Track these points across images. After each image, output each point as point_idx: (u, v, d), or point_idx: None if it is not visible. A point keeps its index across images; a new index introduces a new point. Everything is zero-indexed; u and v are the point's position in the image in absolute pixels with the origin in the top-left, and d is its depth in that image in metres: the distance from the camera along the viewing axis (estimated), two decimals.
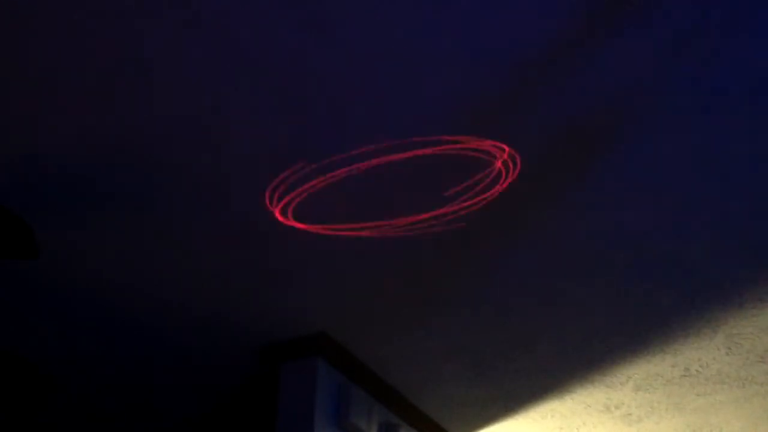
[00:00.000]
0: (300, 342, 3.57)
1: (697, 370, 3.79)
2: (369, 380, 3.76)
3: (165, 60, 2.35)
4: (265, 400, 3.80)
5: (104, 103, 2.48)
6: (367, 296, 3.33)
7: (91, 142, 2.63)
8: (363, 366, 3.72)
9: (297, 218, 2.64)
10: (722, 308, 3.38)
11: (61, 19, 2.22)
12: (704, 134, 2.59)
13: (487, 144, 2.43)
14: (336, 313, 3.44)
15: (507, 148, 2.44)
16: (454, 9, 2.21)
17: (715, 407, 4.06)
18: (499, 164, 2.48)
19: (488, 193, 2.47)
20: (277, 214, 2.61)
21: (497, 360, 3.72)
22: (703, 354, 3.67)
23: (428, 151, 2.45)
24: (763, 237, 3.01)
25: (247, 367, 3.79)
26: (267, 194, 2.60)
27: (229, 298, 3.34)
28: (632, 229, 2.97)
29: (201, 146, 2.63)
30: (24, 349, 3.61)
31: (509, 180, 2.48)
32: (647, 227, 2.96)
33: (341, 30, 2.27)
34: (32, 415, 3.92)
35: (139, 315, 3.44)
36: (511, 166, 2.49)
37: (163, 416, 4.24)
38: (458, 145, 2.43)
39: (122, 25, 2.25)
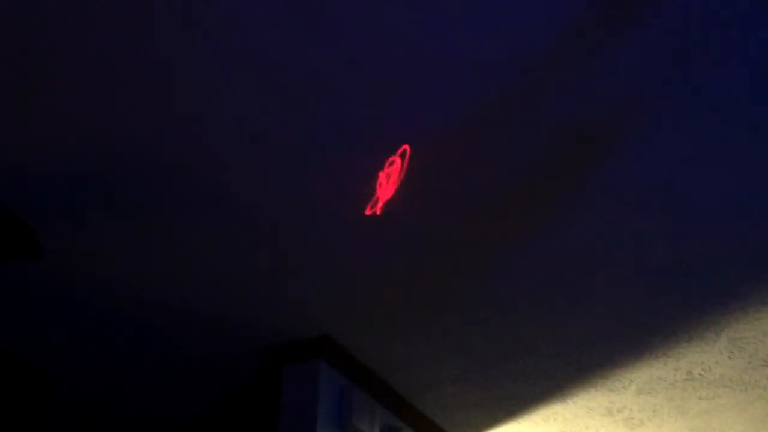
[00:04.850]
0: (302, 344, 3.57)
1: (699, 374, 3.78)
2: (371, 382, 3.76)
3: (167, 61, 2.36)
4: (267, 402, 3.80)
5: (105, 105, 2.49)
6: (369, 299, 3.33)
7: (93, 144, 2.64)
8: (365, 368, 3.72)
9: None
10: (725, 312, 3.37)
11: (62, 19, 2.24)
12: (705, 136, 2.59)
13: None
14: (338, 315, 3.44)
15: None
16: (455, 12, 2.22)
17: (718, 411, 4.05)
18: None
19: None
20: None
21: (499, 363, 3.71)
22: (705, 358, 3.66)
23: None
24: (764, 239, 3.01)
25: (250, 369, 3.80)
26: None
27: (232, 300, 3.35)
28: (634, 231, 2.96)
29: (203, 147, 2.64)
30: (26, 351, 3.63)
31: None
32: (649, 230, 2.96)
33: (344, 32, 2.28)
34: (34, 416, 3.93)
35: (141, 316, 3.44)
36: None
37: (166, 417, 4.24)
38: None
39: (123, 26, 2.26)
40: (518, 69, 2.38)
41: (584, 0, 2.19)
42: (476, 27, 2.26)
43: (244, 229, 2.95)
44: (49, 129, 2.59)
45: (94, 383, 3.95)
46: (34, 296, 3.33)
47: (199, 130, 2.57)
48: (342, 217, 2.84)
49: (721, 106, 2.49)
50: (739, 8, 2.21)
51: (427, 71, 2.38)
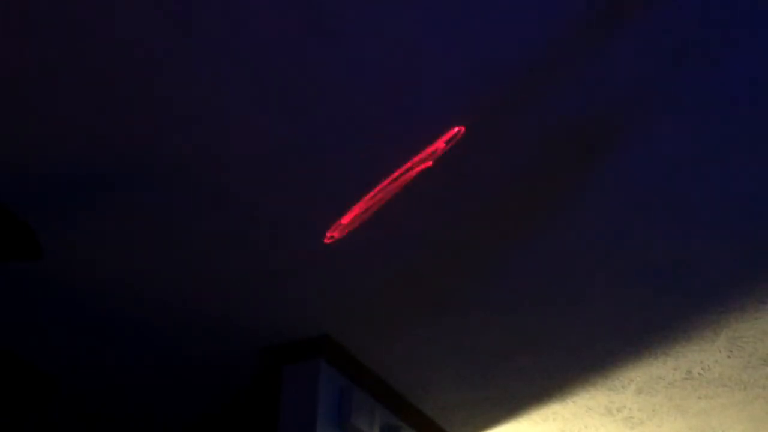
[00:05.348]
0: (302, 344, 3.58)
1: (698, 373, 3.78)
2: (371, 382, 3.76)
3: (167, 61, 2.36)
4: (267, 401, 3.80)
5: (105, 105, 2.49)
6: (369, 299, 3.33)
7: (93, 144, 2.63)
8: (365, 368, 3.73)
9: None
10: (724, 311, 3.38)
11: (62, 18, 2.24)
12: (705, 136, 2.59)
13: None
14: (338, 315, 3.44)
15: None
16: (455, 11, 2.22)
17: (717, 410, 4.05)
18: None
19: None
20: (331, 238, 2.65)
21: (499, 362, 3.72)
22: (704, 357, 3.67)
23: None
24: (764, 239, 3.01)
25: (250, 368, 3.80)
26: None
27: (232, 300, 3.35)
28: (633, 230, 2.97)
29: (203, 147, 2.64)
30: (26, 351, 3.63)
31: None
32: (648, 229, 2.96)
33: (343, 31, 2.28)
34: (34, 416, 3.94)
35: (141, 316, 3.44)
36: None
37: (166, 417, 4.24)
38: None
39: (123, 26, 2.26)
40: (518, 69, 2.37)
41: (584, 0, 2.20)
42: (476, 27, 2.26)
43: (244, 229, 2.96)
44: (49, 129, 2.59)
45: (94, 383, 3.95)
46: (34, 296, 3.33)
47: (199, 130, 2.57)
48: (341, 216, 2.84)
49: (721, 106, 2.49)
50: (739, 8, 2.21)
51: (427, 71, 2.38)
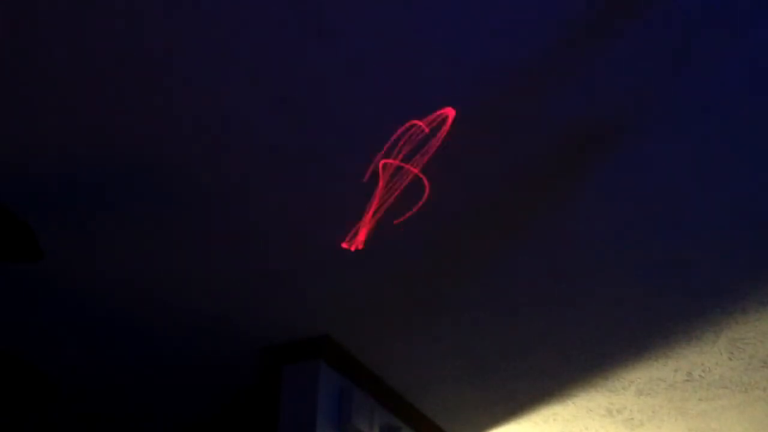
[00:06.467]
0: (302, 344, 3.58)
1: (699, 375, 3.78)
2: (371, 383, 3.76)
3: (166, 61, 2.36)
4: (267, 402, 3.80)
5: (105, 105, 2.49)
6: (369, 299, 3.33)
7: (93, 145, 2.64)
8: (365, 368, 3.73)
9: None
10: (725, 313, 3.37)
11: (62, 17, 2.24)
12: (705, 136, 2.59)
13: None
14: (338, 316, 3.44)
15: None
16: (455, 11, 2.22)
17: (717, 412, 4.05)
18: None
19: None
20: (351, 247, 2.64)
21: (499, 363, 3.72)
22: (705, 359, 3.67)
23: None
24: (765, 239, 3.01)
25: (250, 369, 3.80)
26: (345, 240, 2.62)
27: (233, 301, 3.35)
28: (634, 232, 2.96)
29: (203, 147, 2.64)
30: (26, 351, 3.62)
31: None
32: (649, 230, 2.96)
33: (342, 32, 2.28)
34: (34, 416, 3.94)
35: (141, 316, 3.44)
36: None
37: (166, 418, 4.24)
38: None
39: (123, 25, 2.26)
40: (518, 69, 2.37)
41: (584, 0, 2.20)
42: (476, 27, 2.26)
43: (243, 228, 2.96)
44: (49, 129, 2.59)
45: (94, 383, 3.95)
46: (34, 296, 3.33)
47: (200, 131, 2.57)
48: (341, 217, 2.84)
49: (720, 107, 2.49)
50: (739, 8, 2.21)
51: (427, 72, 2.38)
